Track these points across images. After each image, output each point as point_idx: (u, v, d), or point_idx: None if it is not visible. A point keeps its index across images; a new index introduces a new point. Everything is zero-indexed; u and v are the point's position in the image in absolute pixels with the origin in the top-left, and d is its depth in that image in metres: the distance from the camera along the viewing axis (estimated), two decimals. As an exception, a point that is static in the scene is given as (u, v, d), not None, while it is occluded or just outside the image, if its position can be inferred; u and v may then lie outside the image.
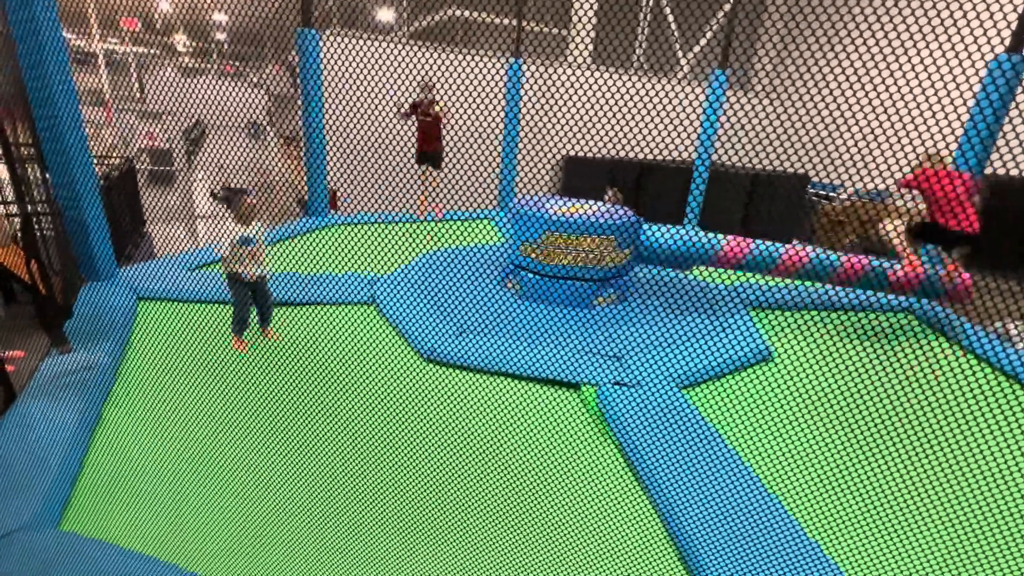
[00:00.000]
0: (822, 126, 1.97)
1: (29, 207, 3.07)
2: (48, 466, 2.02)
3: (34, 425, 2.23)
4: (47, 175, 3.45)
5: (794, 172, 8.10)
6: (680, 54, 10.14)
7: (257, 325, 3.45)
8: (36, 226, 3.22)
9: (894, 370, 3.31)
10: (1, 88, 2.99)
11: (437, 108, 5.93)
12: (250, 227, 3.17)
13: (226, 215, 3.29)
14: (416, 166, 6.27)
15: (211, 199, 3.18)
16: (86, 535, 1.79)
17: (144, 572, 1.64)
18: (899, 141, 1.87)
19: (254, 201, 3.22)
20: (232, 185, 3.20)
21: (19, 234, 3.33)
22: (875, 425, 2.89)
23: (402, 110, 5.85)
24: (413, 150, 6.24)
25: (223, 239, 3.11)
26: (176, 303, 3.83)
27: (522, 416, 2.86)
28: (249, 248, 3.13)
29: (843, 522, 2.18)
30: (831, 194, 8.45)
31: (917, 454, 2.56)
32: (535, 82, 8.27)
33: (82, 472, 2.16)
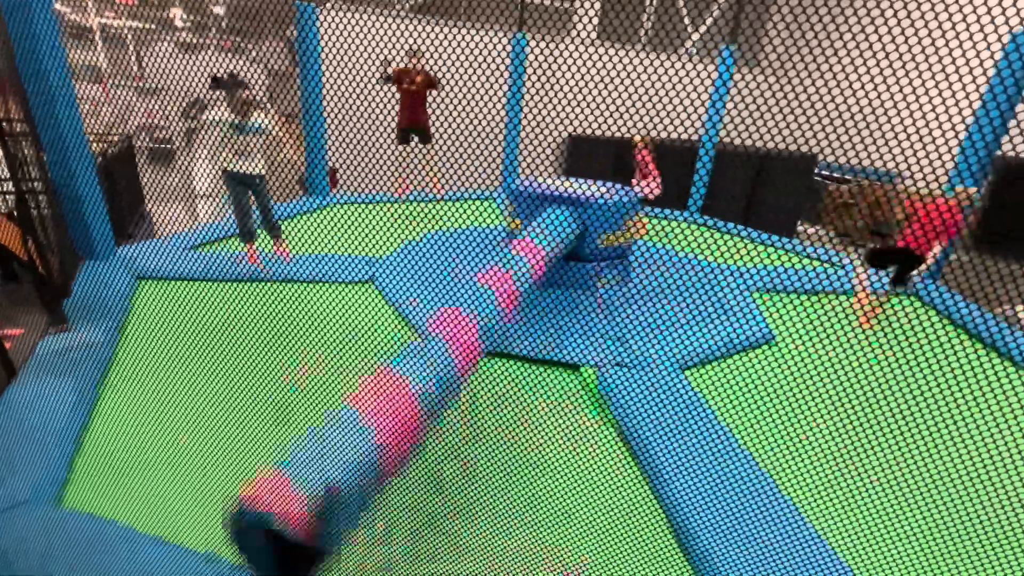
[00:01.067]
0: (831, 103, 1.90)
1: (24, 185, 3.03)
2: (46, 444, 2.03)
3: (33, 403, 2.23)
4: (41, 153, 3.40)
5: (801, 153, 7.96)
6: (689, 29, 9.88)
7: (269, 239, 3.34)
8: (32, 204, 3.19)
9: (896, 356, 3.27)
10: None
11: (422, 77, 5.58)
12: (246, 118, 2.99)
13: (220, 100, 3.21)
14: (397, 146, 5.96)
15: (211, 85, 2.99)
16: (84, 512, 1.80)
17: (141, 549, 1.65)
18: (911, 118, 1.80)
19: (250, 96, 3.07)
20: (236, 74, 3.03)
21: (14, 212, 3.31)
22: (875, 410, 2.87)
23: (384, 74, 5.51)
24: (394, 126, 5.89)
25: (213, 124, 2.94)
26: (175, 282, 3.81)
27: (521, 396, 2.85)
28: (241, 138, 2.95)
29: (839, 505, 2.18)
30: (840, 176, 8.31)
31: (915, 440, 2.55)
32: (540, 58, 8.08)
33: (80, 450, 2.16)
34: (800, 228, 8.65)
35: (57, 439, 2.06)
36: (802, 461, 2.45)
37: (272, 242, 3.27)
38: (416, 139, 6.01)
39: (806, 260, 5.85)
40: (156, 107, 10.53)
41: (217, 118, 2.88)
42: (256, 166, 2.97)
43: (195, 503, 1.99)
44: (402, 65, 5.63)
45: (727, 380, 3.13)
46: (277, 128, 2.97)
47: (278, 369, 2.85)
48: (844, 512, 2.15)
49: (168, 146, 10.25)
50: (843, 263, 5.63)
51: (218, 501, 2.00)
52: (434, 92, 5.73)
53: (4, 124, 2.87)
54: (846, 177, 8.35)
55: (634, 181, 5.73)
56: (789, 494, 2.20)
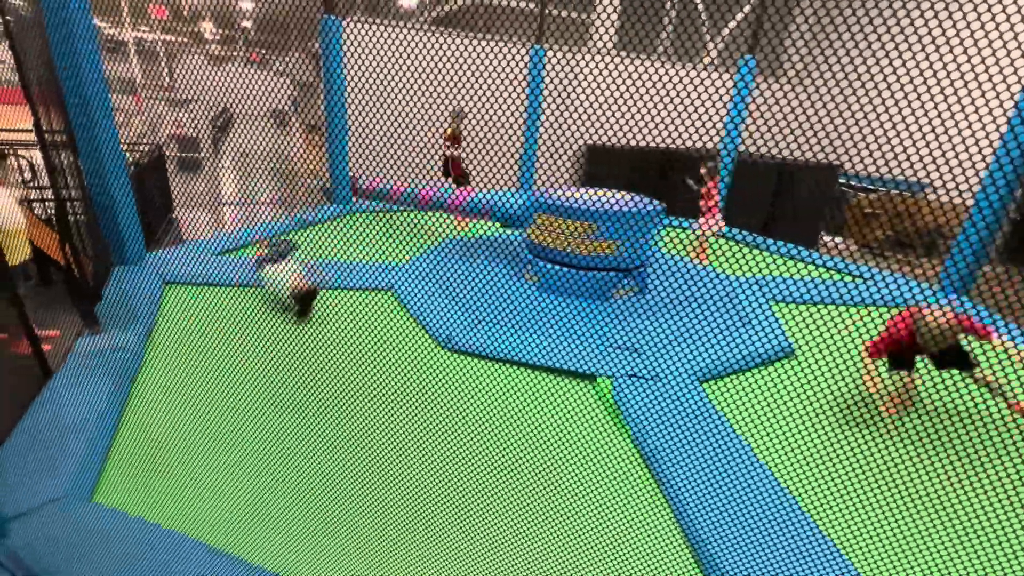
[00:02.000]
0: (857, 112, 1.89)
1: (62, 192, 3.16)
2: (80, 441, 2.10)
3: (67, 402, 2.32)
4: (79, 161, 3.55)
5: (822, 163, 7.84)
6: (708, 39, 9.86)
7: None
8: (70, 211, 3.33)
9: (922, 369, 3.19)
10: (36, 75, 3.08)
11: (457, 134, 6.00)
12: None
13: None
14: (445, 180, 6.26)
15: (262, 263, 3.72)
16: (115, 508, 1.87)
17: (169, 545, 1.70)
18: (943, 125, 1.77)
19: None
20: (278, 244, 3.77)
21: (52, 219, 3.45)
22: (898, 425, 2.81)
23: (444, 142, 6.02)
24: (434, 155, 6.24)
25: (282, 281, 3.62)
26: (201, 287, 3.92)
27: (536, 406, 2.86)
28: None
29: (860, 523, 2.13)
30: (864, 185, 8.16)
31: (943, 457, 2.48)
32: (558, 68, 8.15)
33: (112, 448, 2.24)
34: (822, 239, 8.51)
35: (90, 437, 2.14)
36: (824, 479, 2.40)
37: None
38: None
39: (828, 272, 5.76)
40: (186, 117, 10.89)
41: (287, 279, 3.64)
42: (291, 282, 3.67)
43: (218, 501, 2.04)
44: (448, 129, 6.04)
45: (746, 394, 3.09)
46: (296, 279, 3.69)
47: (301, 373, 2.91)
48: (868, 531, 2.11)
49: (196, 155, 10.58)
50: (868, 276, 5.52)
51: (241, 499, 2.05)
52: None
53: (46, 134, 3.01)
54: (869, 187, 8.20)
55: (703, 220, 5.75)
56: (810, 512, 2.16)
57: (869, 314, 3.98)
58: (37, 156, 4.19)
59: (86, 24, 3.34)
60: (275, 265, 3.73)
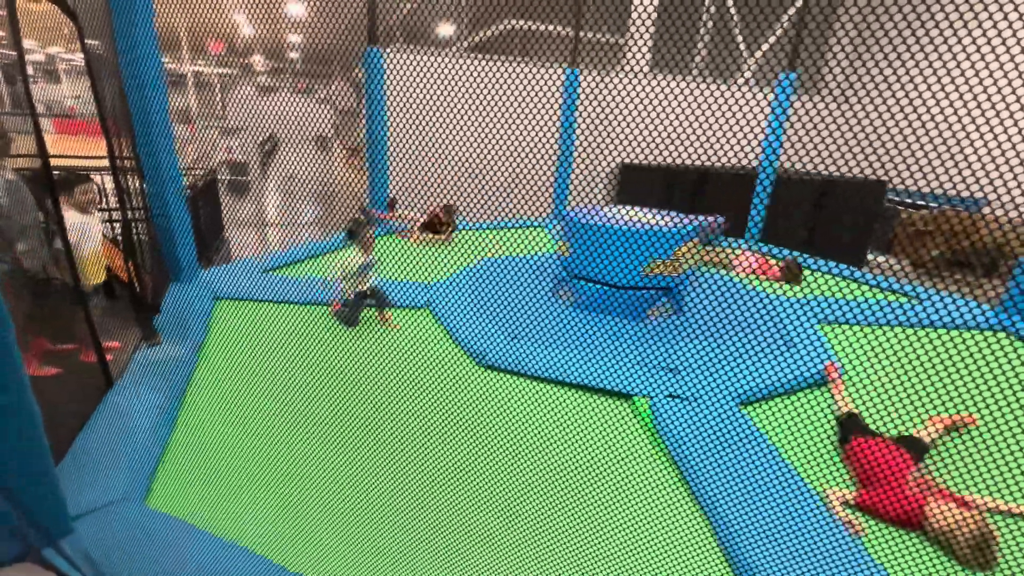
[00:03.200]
0: (904, 125, 1.83)
1: (128, 213, 3.40)
2: (137, 447, 2.22)
3: (127, 410, 2.46)
4: (144, 185, 3.82)
5: (868, 179, 7.57)
6: (745, 55, 9.78)
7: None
8: (135, 231, 3.57)
9: (975, 395, 2.99)
10: (111, 106, 3.35)
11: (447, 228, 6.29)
12: (368, 255, 3.73)
13: (349, 246, 3.87)
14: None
15: (348, 237, 3.78)
16: (168, 513, 1.95)
17: (216, 551, 1.76)
18: (996, 139, 1.70)
19: (372, 233, 3.77)
20: (359, 217, 3.79)
21: (118, 237, 3.71)
22: (951, 449, 2.63)
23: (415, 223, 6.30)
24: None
25: (341, 268, 3.66)
26: (250, 303, 4.10)
27: (572, 424, 2.83)
28: (367, 272, 3.73)
29: (913, 550, 1.99)
30: (916, 202, 7.82)
31: (998, 482, 2.30)
32: (592, 89, 8.23)
33: (165, 455, 2.35)
34: (870, 257, 8.17)
35: (146, 443, 2.25)
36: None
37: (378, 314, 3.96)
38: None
39: (878, 292, 5.51)
40: (236, 144, 11.56)
41: (352, 264, 3.69)
42: (370, 280, 3.77)
43: (265, 509, 2.10)
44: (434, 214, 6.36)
45: (791, 416, 2.97)
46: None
47: (343, 388, 2.99)
48: (918, 558, 1.97)
49: (245, 178, 11.16)
50: (920, 296, 5.25)
51: (283, 508, 2.11)
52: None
53: (117, 160, 3.26)
54: (919, 204, 7.85)
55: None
56: (865, 543, 2.04)
57: (912, 335, 3.78)
58: (108, 181, 4.53)
59: (155, 62, 3.63)
60: (343, 252, 3.86)
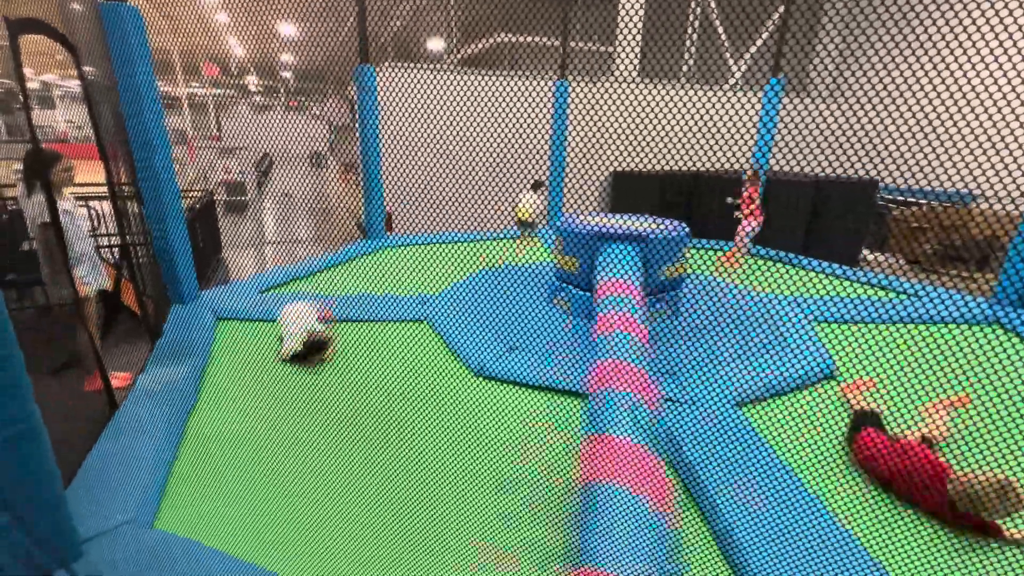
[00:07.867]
0: (892, 123, 1.86)
1: (128, 237, 3.45)
2: (142, 469, 2.25)
3: (131, 432, 2.49)
4: (143, 209, 3.87)
5: (860, 178, 7.66)
6: (731, 61, 9.94)
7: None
8: (134, 255, 3.62)
9: (974, 389, 3.04)
10: (109, 132, 3.41)
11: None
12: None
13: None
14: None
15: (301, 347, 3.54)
16: (176, 533, 1.98)
17: (225, 569, 1.79)
18: (995, 126, 1.73)
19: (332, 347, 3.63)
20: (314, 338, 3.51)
21: (119, 262, 3.75)
22: (950, 445, 2.67)
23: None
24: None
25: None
26: (249, 322, 4.14)
27: (568, 429, 2.87)
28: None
29: (912, 549, 2.03)
30: (907, 199, 7.90)
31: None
32: (581, 98, 8.35)
33: (170, 476, 2.38)
34: (864, 255, 8.24)
35: (152, 465, 2.28)
36: (873, 503, 2.31)
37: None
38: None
39: (873, 289, 5.57)
40: (233, 164, 11.65)
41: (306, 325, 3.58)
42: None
43: (271, 527, 2.13)
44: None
45: (786, 416, 3.01)
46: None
47: (339, 403, 3.02)
48: (921, 558, 2.00)
49: (242, 198, 11.24)
50: (915, 292, 5.31)
51: (289, 525, 2.13)
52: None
53: (116, 187, 3.32)
54: (910, 200, 7.94)
55: (744, 225, 6.11)
56: (861, 539, 2.08)
57: (907, 331, 3.83)
58: (105, 206, 4.58)
59: (151, 87, 3.70)
60: (291, 305, 3.76)
